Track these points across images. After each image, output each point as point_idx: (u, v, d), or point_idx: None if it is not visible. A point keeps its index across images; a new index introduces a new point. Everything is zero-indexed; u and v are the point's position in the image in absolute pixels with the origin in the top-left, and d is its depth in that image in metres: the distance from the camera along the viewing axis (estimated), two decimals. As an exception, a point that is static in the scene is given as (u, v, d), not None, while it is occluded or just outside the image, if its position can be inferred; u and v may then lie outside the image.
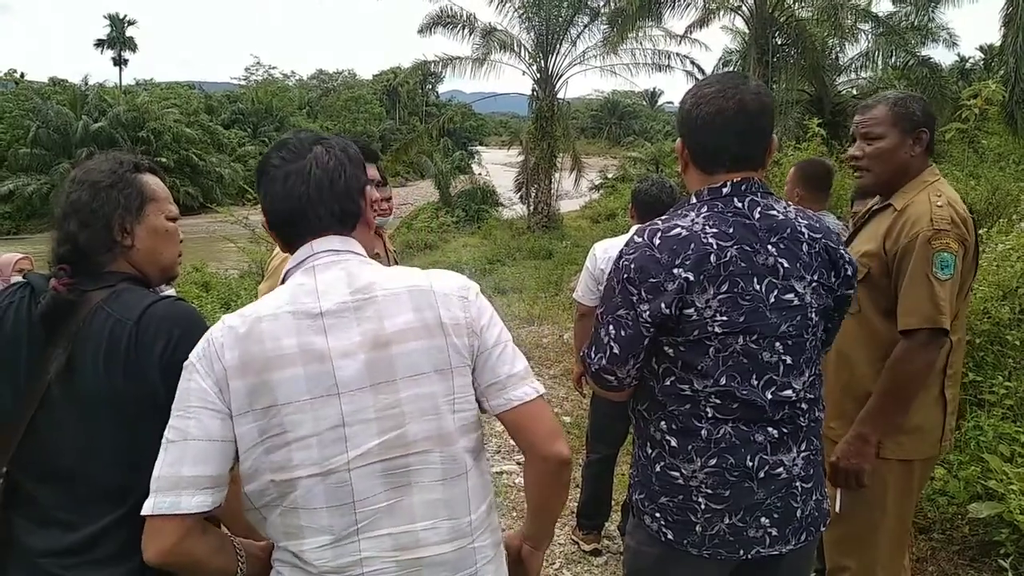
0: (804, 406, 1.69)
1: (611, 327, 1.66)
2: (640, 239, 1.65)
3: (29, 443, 1.48)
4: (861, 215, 2.52)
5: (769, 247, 1.64)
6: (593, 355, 1.71)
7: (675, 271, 1.58)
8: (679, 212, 1.70)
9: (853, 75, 19.87)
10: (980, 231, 5.35)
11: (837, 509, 2.28)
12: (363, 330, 1.31)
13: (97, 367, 1.44)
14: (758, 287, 1.62)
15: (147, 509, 1.26)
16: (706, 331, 1.60)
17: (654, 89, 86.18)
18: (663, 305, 1.59)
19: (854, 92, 19.46)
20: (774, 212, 1.68)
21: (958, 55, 23.14)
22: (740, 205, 1.66)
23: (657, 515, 1.72)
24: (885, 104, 2.31)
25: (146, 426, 1.47)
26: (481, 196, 27.19)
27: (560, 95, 22.42)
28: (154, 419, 1.47)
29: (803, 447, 1.70)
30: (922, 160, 2.31)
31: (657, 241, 1.62)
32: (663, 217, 1.71)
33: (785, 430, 1.67)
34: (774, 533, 1.68)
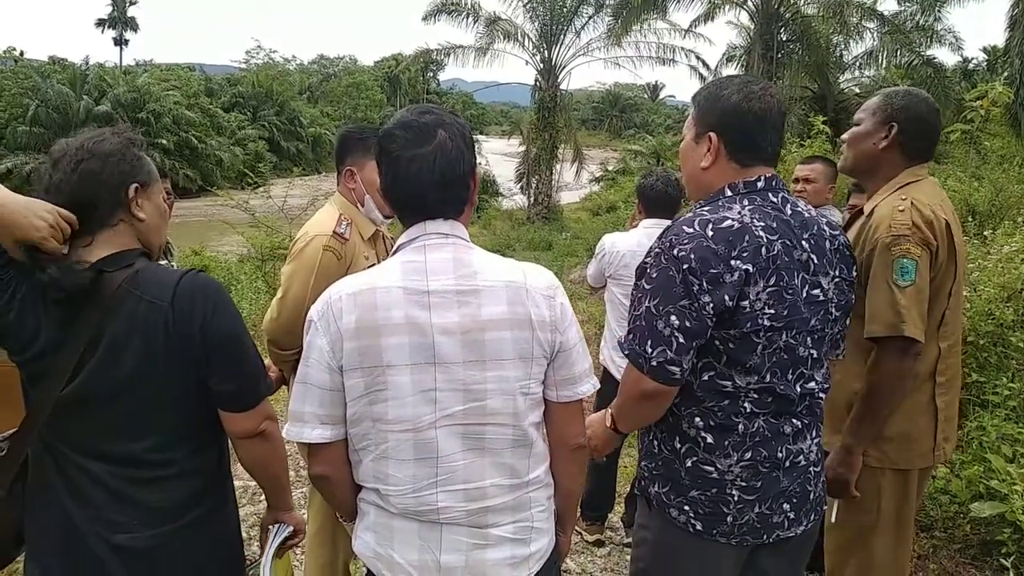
0: (820, 396, 1.76)
1: (673, 318, 1.59)
2: (691, 229, 1.62)
3: (69, 420, 1.50)
4: (848, 221, 2.52)
5: (803, 242, 1.66)
6: (651, 350, 1.62)
7: (733, 263, 1.57)
8: (719, 203, 1.69)
9: (857, 73, 19.89)
10: (985, 232, 5.40)
11: (832, 519, 2.26)
12: (462, 313, 1.46)
13: (135, 351, 1.46)
14: (796, 282, 1.64)
15: (283, 433, 1.57)
16: (756, 324, 1.60)
17: (656, 82, 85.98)
18: (727, 297, 1.57)
19: (857, 90, 19.46)
20: (800, 209, 1.71)
21: (962, 56, 23.14)
22: (775, 200, 1.69)
23: (686, 508, 1.73)
24: (881, 94, 2.31)
25: (189, 401, 1.54)
26: (481, 186, 27.09)
27: (563, 86, 22.38)
28: (198, 394, 1.54)
29: (814, 434, 1.78)
30: (891, 157, 2.23)
31: (711, 232, 1.60)
32: (706, 207, 1.69)
33: (806, 420, 1.74)
34: (792, 516, 1.74)
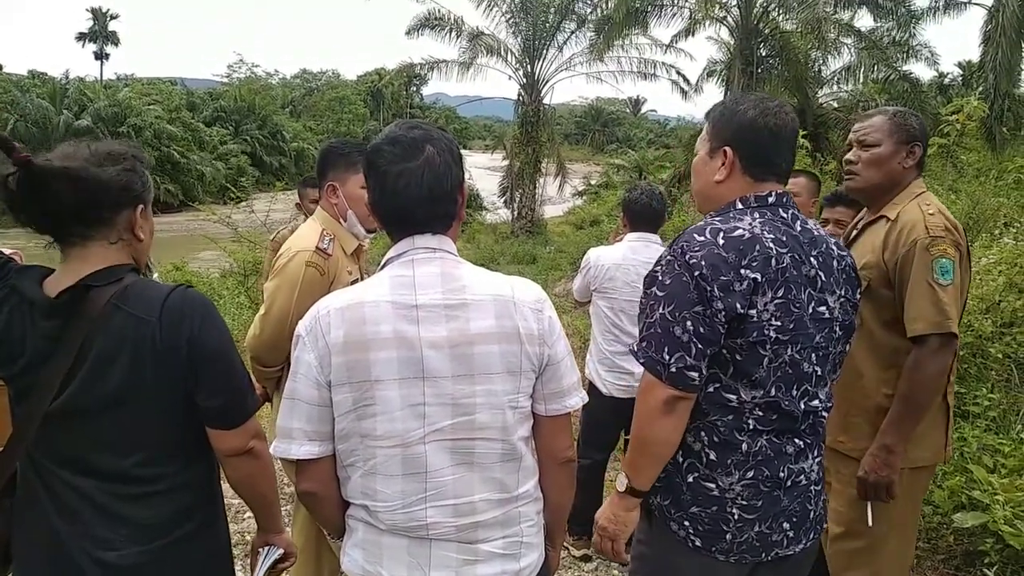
0: (824, 415, 1.76)
1: (688, 323, 1.58)
2: (702, 236, 1.63)
3: (56, 435, 1.48)
4: (851, 226, 2.55)
5: (811, 259, 1.68)
6: (668, 356, 1.59)
7: (742, 271, 1.58)
8: (730, 214, 1.70)
9: (835, 88, 20.12)
10: (963, 244, 5.50)
11: (869, 523, 2.26)
12: (450, 327, 1.46)
13: (122, 365, 1.45)
14: (803, 296, 1.65)
15: (271, 450, 1.56)
16: (763, 335, 1.60)
17: (638, 97, 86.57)
18: (738, 305, 1.57)
19: (835, 105, 19.68)
20: (809, 227, 1.73)
21: (937, 71, 23.51)
22: (785, 216, 1.71)
23: (686, 523, 1.72)
24: (884, 115, 2.38)
25: (177, 415, 1.52)
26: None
27: (546, 100, 22.51)
28: (186, 409, 1.52)
29: (816, 453, 1.77)
30: (911, 173, 2.36)
31: (721, 240, 1.61)
32: (718, 217, 1.70)
33: (808, 439, 1.73)
34: (792, 535, 1.74)
